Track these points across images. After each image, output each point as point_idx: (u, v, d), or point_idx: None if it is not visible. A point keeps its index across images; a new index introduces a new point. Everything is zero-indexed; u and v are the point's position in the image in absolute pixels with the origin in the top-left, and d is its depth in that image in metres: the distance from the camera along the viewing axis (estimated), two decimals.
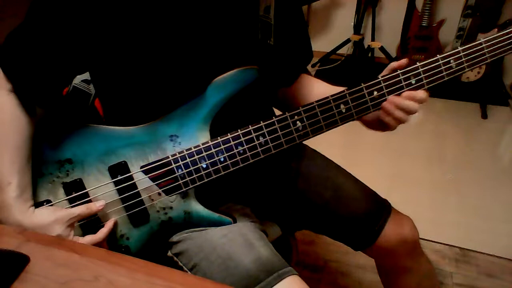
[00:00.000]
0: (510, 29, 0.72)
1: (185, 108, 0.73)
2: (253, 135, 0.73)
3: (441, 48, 2.67)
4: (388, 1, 2.91)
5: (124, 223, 0.75)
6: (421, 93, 0.74)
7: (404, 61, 0.75)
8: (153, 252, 0.78)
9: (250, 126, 0.73)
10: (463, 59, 0.73)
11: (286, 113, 0.74)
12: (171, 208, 0.76)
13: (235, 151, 0.73)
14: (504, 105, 2.60)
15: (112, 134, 0.74)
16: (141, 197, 0.74)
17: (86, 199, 0.73)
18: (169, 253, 0.79)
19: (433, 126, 2.43)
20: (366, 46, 2.92)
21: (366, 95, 0.75)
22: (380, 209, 0.91)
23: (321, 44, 3.11)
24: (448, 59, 0.74)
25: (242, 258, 0.71)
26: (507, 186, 1.92)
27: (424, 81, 0.75)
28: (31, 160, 0.72)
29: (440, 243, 1.61)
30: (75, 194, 0.73)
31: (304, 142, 0.84)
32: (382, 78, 0.74)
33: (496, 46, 0.72)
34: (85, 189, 0.73)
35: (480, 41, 0.73)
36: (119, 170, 0.73)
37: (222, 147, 0.73)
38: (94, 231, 0.72)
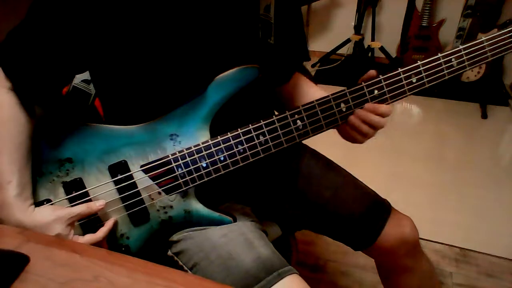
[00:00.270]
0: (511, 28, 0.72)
1: (185, 107, 0.73)
2: (253, 134, 0.73)
3: (441, 48, 2.67)
4: (388, 1, 2.91)
5: (124, 222, 0.75)
6: (384, 107, 0.74)
7: (372, 72, 0.75)
8: (153, 251, 0.78)
9: (250, 125, 0.73)
10: (465, 57, 0.73)
11: (286, 112, 0.74)
12: (171, 207, 0.75)
13: (235, 150, 0.73)
14: (504, 105, 2.60)
15: (112, 133, 0.74)
16: (141, 196, 0.74)
17: (86, 198, 0.73)
18: (169, 253, 0.79)
19: (433, 126, 2.43)
20: (366, 46, 2.92)
21: (367, 94, 0.75)
22: (380, 209, 0.90)
23: (321, 44, 3.11)
24: (450, 57, 0.73)
25: (242, 257, 0.71)
26: (507, 186, 1.92)
27: (425, 80, 0.75)
28: (30, 159, 0.72)
29: (440, 243, 1.61)
30: (75, 194, 0.73)
31: (304, 142, 0.84)
32: (383, 77, 0.74)
33: (497, 45, 0.73)
34: (85, 188, 0.73)
35: (481, 40, 0.72)
36: (119, 169, 0.73)
37: (222, 146, 0.73)
38: (94, 231, 0.72)
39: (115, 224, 0.75)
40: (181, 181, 0.73)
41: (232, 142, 0.73)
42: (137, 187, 0.73)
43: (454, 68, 0.74)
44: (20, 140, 0.70)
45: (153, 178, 0.73)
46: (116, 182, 0.73)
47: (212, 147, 0.73)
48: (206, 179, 0.74)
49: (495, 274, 1.49)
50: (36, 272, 0.57)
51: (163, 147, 0.73)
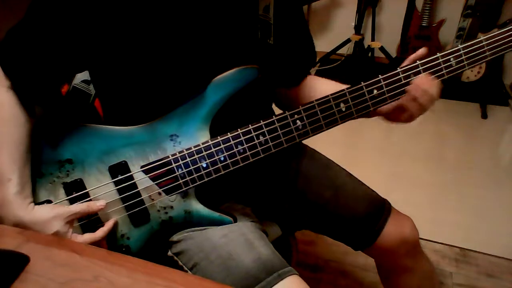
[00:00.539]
0: (511, 27, 0.72)
1: (185, 107, 0.73)
2: (253, 134, 0.73)
3: (441, 48, 2.67)
4: (388, 1, 2.91)
5: (124, 223, 0.75)
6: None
7: (423, 50, 0.74)
8: (153, 251, 0.78)
9: (250, 125, 0.73)
10: (463, 57, 0.73)
11: (286, 112, 0.74)
12: (171, 207, 0.76)
13: (235, 150, 0.73)
14: (504, 105, 2.60)
15: (112, 134, 0.74)
16: (141, 196, 0.74)
17: (87, 199, 0.73)
18: (169, 253, 0.79)
19: (433, 126, 2.43)
20: (366, 46, 2.92)
21: (366, 94, 0.75)
22: (380, 209, 0.90)
23: (321, 44, 3.11)
24: (448, 57, 0.74)
25: (242, 258, 0.71)
26: (507, 186, 1.92)
27: None
28: (30, 157, 0.72)
29: (440, 243, 1.61)
30: (76, 194, 0.73)
31: (304, 142, 0.84)
32: (382, 77, 0.74)
33: (496, 44, 0.73)
34: (86, 189, 0.73)
35: (480, 39, 0.73)
36: (119, 170, 0.73)
37: (222, 146, 0.73)
38: (94, 231, 0.72)
39: (116, 224, 0.75)
40: (181, 181, 0.73)
41: (232, 142, 0.73)
42: (137, 188, 0.74)
43: (453, 68, 0.74)
44: (20, 139, 0.70)
45: (153, 179, 0.73)
46: (116, 183, 0.73)
47: (212, 147, 0.73)
48: (206, 180, 0.74)
49: (495, 274, 1.49)
50: (36, 272, 0.57)
51: (163, 147, 0.73)
